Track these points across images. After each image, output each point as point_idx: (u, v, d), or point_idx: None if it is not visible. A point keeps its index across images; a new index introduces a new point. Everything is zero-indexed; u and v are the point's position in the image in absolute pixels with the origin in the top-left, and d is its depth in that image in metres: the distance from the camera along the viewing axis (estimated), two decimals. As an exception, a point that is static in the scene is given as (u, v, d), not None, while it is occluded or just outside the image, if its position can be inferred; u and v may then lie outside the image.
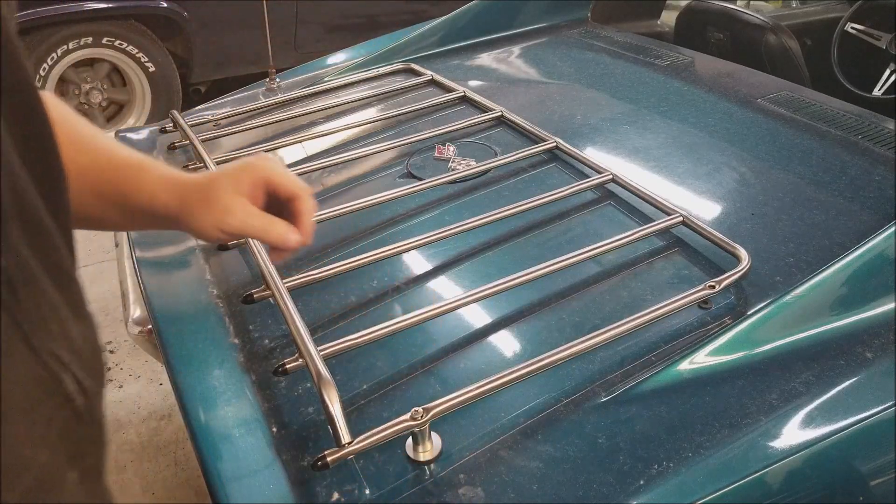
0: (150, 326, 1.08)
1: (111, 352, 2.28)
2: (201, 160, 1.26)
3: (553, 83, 1.70)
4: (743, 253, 0.97)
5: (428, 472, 0.74)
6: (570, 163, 1.30)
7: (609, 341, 0.85)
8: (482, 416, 0.80)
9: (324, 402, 0.73)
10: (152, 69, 3.46)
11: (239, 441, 0.80)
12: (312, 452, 0.77)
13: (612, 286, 1.00)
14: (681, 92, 1.59)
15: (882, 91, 2.16)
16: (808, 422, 0.80)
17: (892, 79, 2.16)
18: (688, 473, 0.73)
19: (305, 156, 1.43)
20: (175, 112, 1.48)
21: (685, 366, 0.84)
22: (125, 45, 3.37)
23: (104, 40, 3.33)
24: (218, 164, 1.25)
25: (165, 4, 3.35)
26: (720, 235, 1.02)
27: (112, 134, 1.66)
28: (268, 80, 1.78)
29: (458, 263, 1.06)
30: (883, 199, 1.15)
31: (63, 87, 3.40)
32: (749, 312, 0.91)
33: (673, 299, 0.89)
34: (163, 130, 1.59)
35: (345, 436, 0.72)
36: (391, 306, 0.99)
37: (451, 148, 1.38)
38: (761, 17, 2.18)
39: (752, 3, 3.83)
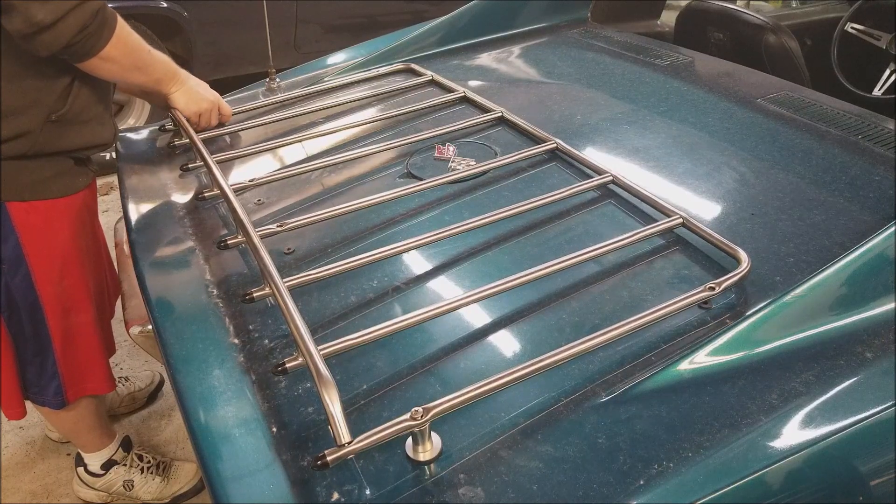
0: (150, 326, 1.08)
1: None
2: (201, 159, 1.26)
3: (553, 83, 1.70)
4: (743, 255, 0.97)
5: (428, 472, 0.74)
6: (570, 163, 1.30)
7: (609, 342, 0.85)
8: (482, 416, 0.80)
9: (324, 401, 0.73)
10: (152, 69, 3.45)
11: (239, 441, 0.80)
12: (312, 452, 0.77)
13: (612, 287, 1.00)
14: (681, 92, 1.59)
15: (882, 91, 2.16)
16: (808, 422, 0.80)
17: (892, 79, 2.16)
18: (688, 473, 0.73)
19: (305, 156, 1.43)
20: (175, 111, 1.48)
21: (685, 366, 0.84)
22: (125, 44, 3.37)
23: (104, 40, 3.32)
24: (218, 163, 1.25)
25: (165, 4, 3.34)
26: (720, 237, 1.02)
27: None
28: (268, 80, 1.78)
29: (458, 263, 1.06)
30: (883, 199, 1.15)
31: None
32: (749, 312, 0.91)
33: (673, 301, 0.89)
34: (163, 129, 1.59)
35: (345, 436, 0.72)
36: (391, 306, 0.99)
37: (451, 148, 1.38)
38: (761, 17, 2.18)
39: (752, 3, 3.83)
